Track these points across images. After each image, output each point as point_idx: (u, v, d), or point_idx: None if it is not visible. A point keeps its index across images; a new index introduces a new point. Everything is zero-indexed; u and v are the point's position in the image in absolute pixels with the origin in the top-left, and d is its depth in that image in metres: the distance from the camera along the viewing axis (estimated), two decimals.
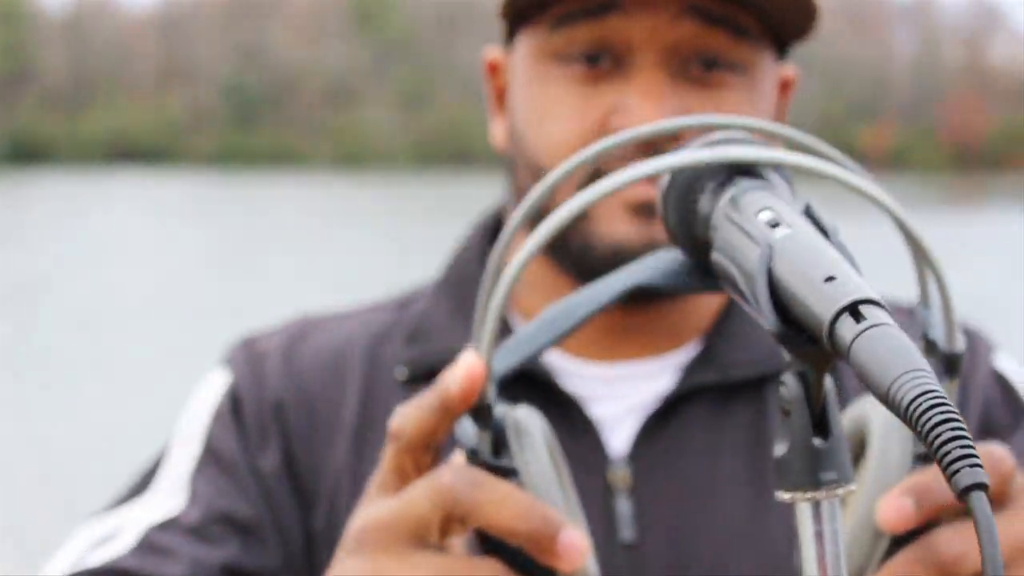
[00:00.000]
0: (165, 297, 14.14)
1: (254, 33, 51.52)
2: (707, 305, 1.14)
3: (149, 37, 52.12)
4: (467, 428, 0.78)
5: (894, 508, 0.79)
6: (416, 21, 51.80)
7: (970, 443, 0.54)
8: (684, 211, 0.75)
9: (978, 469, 0.54)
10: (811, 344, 0.66)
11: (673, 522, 1.05)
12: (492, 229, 1.18)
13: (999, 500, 0.81)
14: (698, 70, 1.04)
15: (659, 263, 0.79)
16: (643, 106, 1.01)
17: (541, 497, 0.77)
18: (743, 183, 0.72)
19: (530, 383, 1.07)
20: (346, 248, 19.88)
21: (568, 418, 1.08)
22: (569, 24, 1.03)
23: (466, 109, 48.10)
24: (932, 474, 0.79)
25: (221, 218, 24.91)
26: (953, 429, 0.54)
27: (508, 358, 0.79)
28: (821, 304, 0.62)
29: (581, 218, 1.02)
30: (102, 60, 50.92)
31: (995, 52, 55.44)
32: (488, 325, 0.75)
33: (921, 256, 0.76)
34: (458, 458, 0.79)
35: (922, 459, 0.81)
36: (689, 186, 0.74)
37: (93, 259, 17.97)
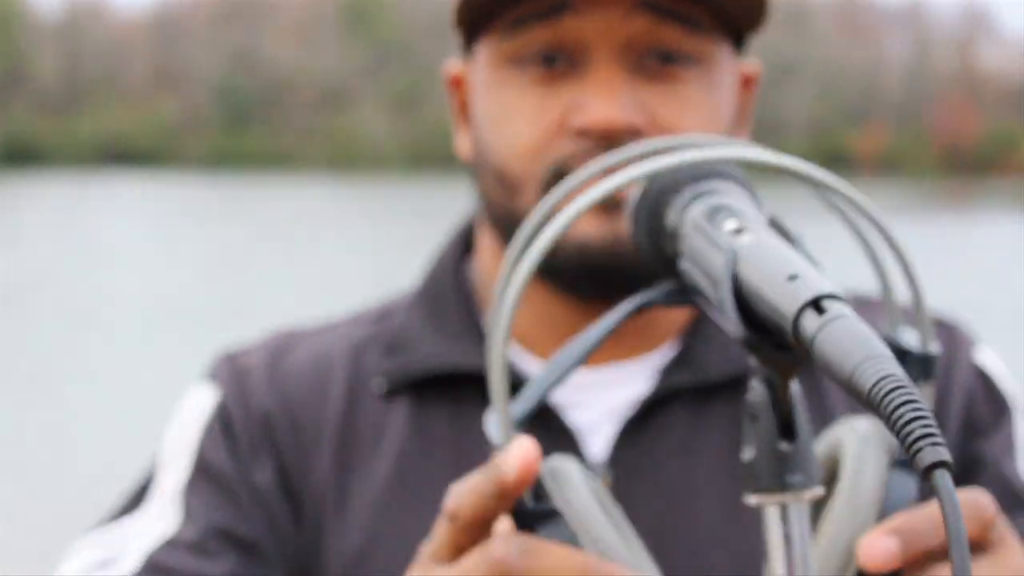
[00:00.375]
0: (158, 300, 14.15)
1: (247, 36, 51.49)
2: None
3: (142, 40, 52.08)
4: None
5: (878, 547, 0.76)
6: (409, 24, 51.81)
7: (931, 423, 0.55)
8: (652, 225, 0.77)
9: (940, 448, 0.55)
10: (777, 349, 0.67)
11: (652, 526, 1.05)
12: (466, 239, 1.19)
13: (980, 546, 0.79)
14: (654, 64, 1.05)
15: (654, 289, 0.79)
16: (598, 102, 1.02)
17: (589, 531, 0.76)
18: (709, 196, 0.74)
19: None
20: (339, 251, 19.90)
21: (547, 426, 1.07)
22: (523, 28, 1.04)
23: None
24: (923, 517, 0.77)
25: (214, 221, 24.91)
26: (914, 410, 0.56)
27: (523, 405, 0.79)
28: (785, 301, 0.64)
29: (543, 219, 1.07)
30: (95, 63, 50.88)
31: (986, 57, 55.54)
32: (496, 374, 0.74)
33: (894, 251, 0.74)
34: (504, 523, 0.78)
35: (899, 464, 0.80)
36: (658, 200, 0.76)
37: (86, 262, 17.97)
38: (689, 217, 0.74)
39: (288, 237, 22.12)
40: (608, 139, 1.02)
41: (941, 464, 0.55)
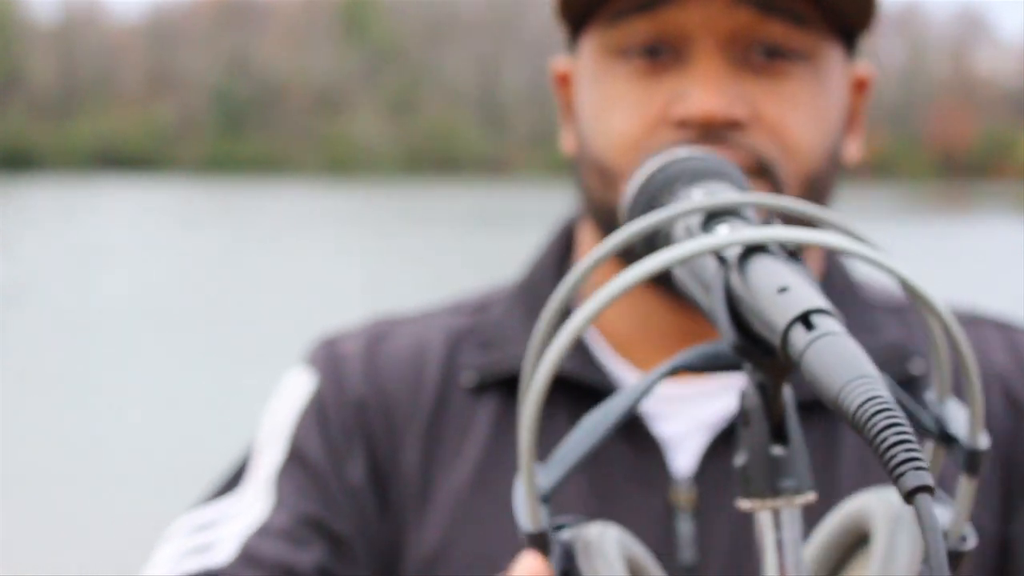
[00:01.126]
0: (154, 304, 14.14)
1: (242, 41, 51.49)
2: None
3: (138, 45, 52.07)
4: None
5: None
6: (404, 29, 51.82)
7: (914, 447, 0.55)
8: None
9: (922, 472, 0.55)
10: (768, 355, 0.67)
11: (735, 544, 1.03)
12: (567, 236, 1.17)
13: None
14: (759, 58, 1.03)
15: (697, 349, 0.76)
16: (699, 92, 1.01)
17: None
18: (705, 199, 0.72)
19: (596, 399, 1.00)
20: (334, 255, 19.89)
21: (632, 436, 1.06)
22: (625, 19, 1.04)
23: (453, 116, 48.13)
24: None
25: (210, 225, 24.90)
26: (898, 434, 0.56)
27: (554, 471, 0.73)
28: (775, 314, 0.63)
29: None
30: (91, 68, 50.87)
31: (980, 62, 55.62)
32: (526, 445, 0.70)
33: (952, 344, 0.69)
34: None
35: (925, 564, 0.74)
36: (652, 201, 0.75)
37: (82, 267, 17.96)
38: (682, 221, 0.72)
39: (284, 241, 22.12)
40: (709, 130, 1.01)
41: (923, 488, 0.55)
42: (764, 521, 0.70)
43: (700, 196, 0.73)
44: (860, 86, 1.12)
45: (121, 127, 47.31)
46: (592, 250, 0.70)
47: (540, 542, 0.71)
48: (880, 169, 47.37)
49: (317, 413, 1.12)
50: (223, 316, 13.36)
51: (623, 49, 1.04)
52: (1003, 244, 23.19)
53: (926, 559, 0.72)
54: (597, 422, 0.74)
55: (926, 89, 53.04)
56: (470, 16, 52.45)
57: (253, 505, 1.10)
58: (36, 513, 6.63)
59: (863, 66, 1.11)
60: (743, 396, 0.70)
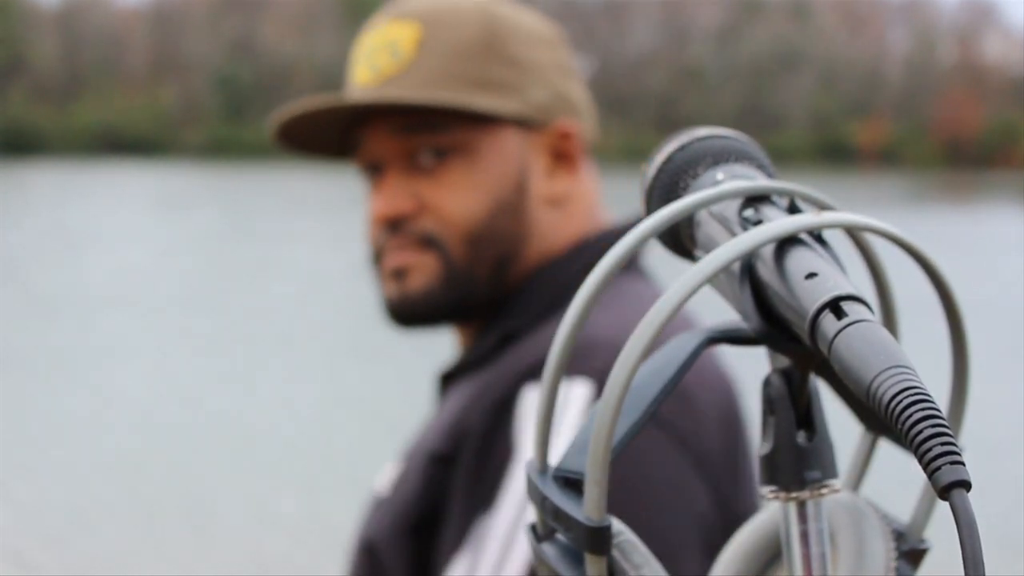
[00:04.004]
0: (156, 289, 14.09)
1: (246, 25, 51.39)
2: None
3: (141, 29, 51.98)
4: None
5: None
6: None
7: (951, 440, 0.54)
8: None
9: (959, 467, 0.53)
10: (794, 342, 0.65)
11: None
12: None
13: None
14: (429, 161, 1.43)
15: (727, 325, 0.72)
16: (377, 199, 1.45)
17: None
18: (730, 181, 0.70)
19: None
20: (338, 240, 19.82)
21: None
22: (353, 153, 1.51)
23: None
24: None
25: (212, 210, 24.85)
26: (934, 426, 0.54)
27: (577, 458, 0.67)
28: (802, 301, 0.62)
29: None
30: (94, 52, 50.79)
31: (988, 49, 55.45)
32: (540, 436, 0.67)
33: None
34: None
35: (906, 556, 0.72)
36: (674, 181, 0.73)
37: (84, 251, 17.91)
38: (715, 204, 0.69)
39: (287, 226, 22.06)
40: (387, 224, 1.44)
41: (960, 484, 0.53)
42: (789, 513, 0.68)
43: (722, 177, 0.71)
44: (564, 137, 1.46)
45: (124, 111, 47.25)
46: (628, 234, 0.66)
47: (602, 537, 0.65)
48: (886, 157, 47.27)
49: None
50: (226, 301, 13.29)
51: (361, 171, 1.50)
52: (1009, 233, 23.10)
53: (890, 561, 0.70)
54: (630, 402, 0.67)
55: (933, 77, 52.88)
56: None
57: (522, 519, 1.26)
58: (40, 495, 6.56)
59: (564, 122, 1.47)
60: (768, 384, 0.69)
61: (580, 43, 52.50)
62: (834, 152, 47.00)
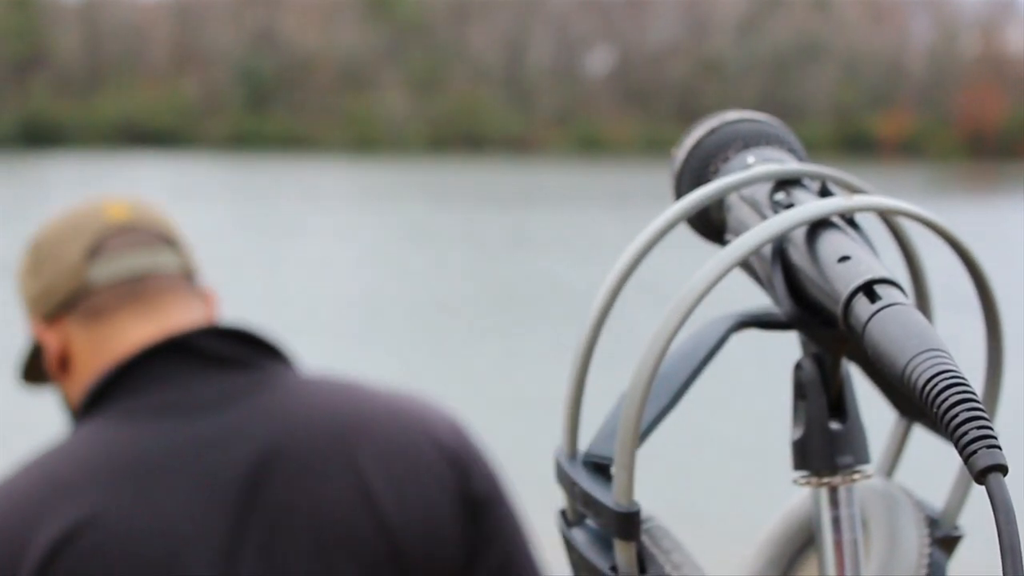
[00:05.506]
0: None
1: (267, 17, 51.44)
2: None
3: (163, 21, 52.08)
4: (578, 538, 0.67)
5: None
6: (429, 5, 51.69)
7: (988, 424, 0.52)
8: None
9: (996, 450, 0.52)
10: (827, 326, 0.64)
11: None
12: None
13: None
14: None
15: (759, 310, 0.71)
16: None
17: None
18: (760, 166, 0.69)
19: None
20: (359, 232, 19.85)
21: None
22: None
23: (479, 93, 48.01)
24: None
25: (234, 202, 24.89)
26: (970, 410, 0.52)
27: (606, 443, 0.67)
28: (835, 284, 0.61)
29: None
30: (116, 44, 50.90)
31: (1011, 41, 55.16)
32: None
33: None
34: None
35: (939, 543, 0.72)
36: (704, 165, 0.72)
37: None
38: (745, 188, 0.68)
39: (308, 218, 22.10)
40: None
41: (997, 468, 0.51)
42: (821, 499, 0.68)
43: (753, 160, 0.70)
44: (208, 300, 1.58)
45: (146, 103, 47.35)
46: (657, 218, 0.65)
47: (632, 523, 0.64)
48: (909, 148, 47.08)
49: None
50: (248, 293, 13.32)
51: None
52: None
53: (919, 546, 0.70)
54: (659, 387, 0.66)
55: (955, 68, 52.64)
56: None
57: None
58: None
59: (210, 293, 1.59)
60: (799, 368, 0.68)
61: (600, 35, 52.45)
62: (856, 144, 46.82)
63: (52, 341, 1.50)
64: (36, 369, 1.57)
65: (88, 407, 1.41)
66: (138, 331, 1.45)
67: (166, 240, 1.55)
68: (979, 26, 55.65)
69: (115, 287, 1.48)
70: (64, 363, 1.50)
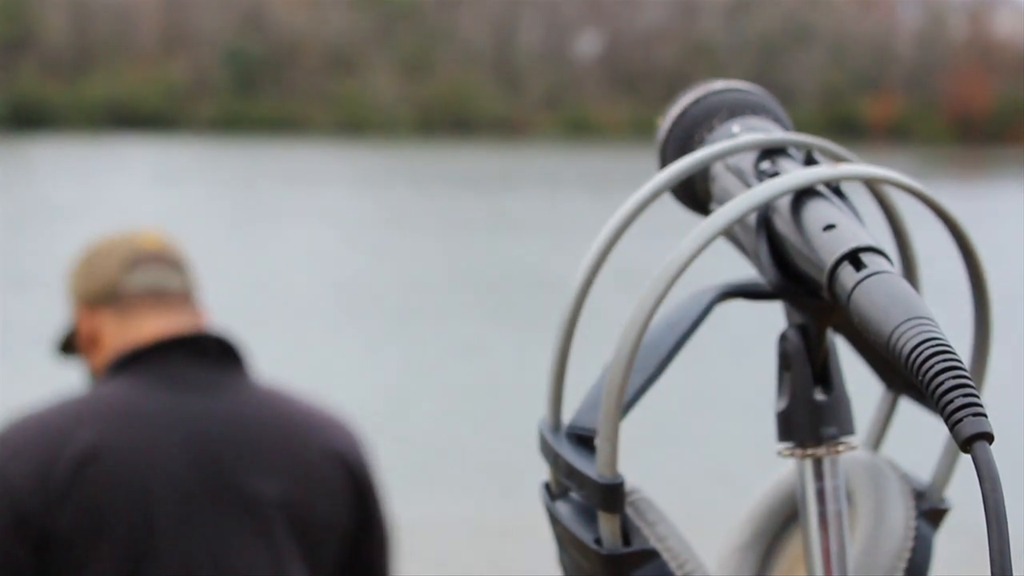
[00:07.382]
0: None
1: (255, 0, 51.28)
2: None
3: (151, 3, 51.89)
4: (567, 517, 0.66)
5: None
6: None
7: (973, 391, 0.52)
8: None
9: (981, 418, 0.51)
10: (812, 296, 0.64)
11: None
12: None
13: None
14: None
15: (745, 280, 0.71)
16: None
17: (694, 568, 0.66)
18: (746, 134, 0.68)
19: None
20: (346, 215, 19.85)
21: None
22: None
23: (468, 77, 47.94)
24: None
25: (222, 185, 24.86)
26: (955, 377, 0.52)
27: (590, 415, 0.66)
28: (821, 253, 0.60)
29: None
30: (104, 26, 50.73)
31: (999, 25, 55.21)
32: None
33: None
34: None
35: (926, 516, 0.71)
36: (688, 135, 0.71)
37: (95, 225, 17.94)
38: (730, 157, 0.68)
39: (296, 201, 22.09)
40: None
41: (982, 436, 0.51)
42: (805, 470, 0.67)
43: (738, 129, 0.69)
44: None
45: (134, 86, 47.21)
46: (641, 188, 0.63)
47: (616, 495, 0.64)
48: (896, 133, 47.13)
49: None
50: (235, 275, 13.32)
51: None
52: (1018, 208, 23.06)
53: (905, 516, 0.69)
54: (643, 358, 0.65)
55: (943, 52, 52.67)
56: None
57: None
58: None
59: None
60: (784, 339, 0.67)
61: (590, 18, 52.40)
62: (844, 127, 46.86)
63: (89, 325, 2.04)
64: (70, 344, 2.12)
65: (109, 374, 1.96)
66: (152, 327, 1.99)
67: (178, 267, 2.07)
68: (967, 11, 55.68)
69: (141, 294, 2.02)
70: (94, 342, 2.03)
